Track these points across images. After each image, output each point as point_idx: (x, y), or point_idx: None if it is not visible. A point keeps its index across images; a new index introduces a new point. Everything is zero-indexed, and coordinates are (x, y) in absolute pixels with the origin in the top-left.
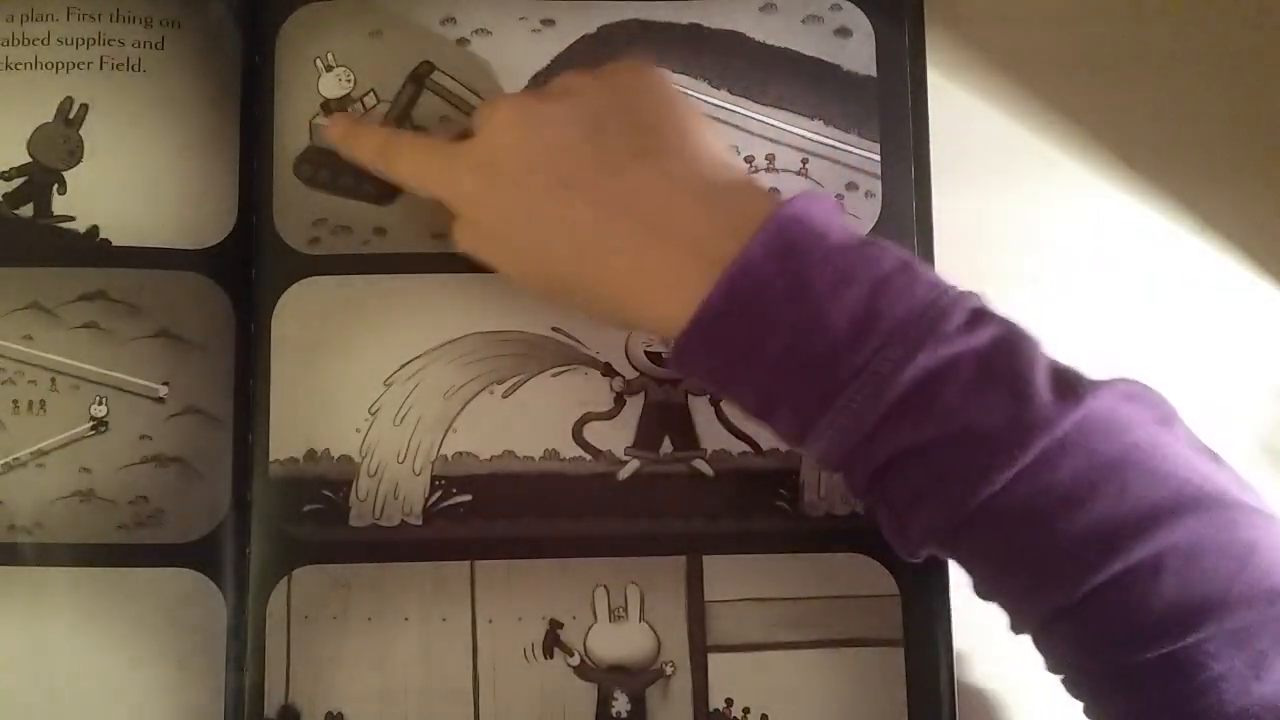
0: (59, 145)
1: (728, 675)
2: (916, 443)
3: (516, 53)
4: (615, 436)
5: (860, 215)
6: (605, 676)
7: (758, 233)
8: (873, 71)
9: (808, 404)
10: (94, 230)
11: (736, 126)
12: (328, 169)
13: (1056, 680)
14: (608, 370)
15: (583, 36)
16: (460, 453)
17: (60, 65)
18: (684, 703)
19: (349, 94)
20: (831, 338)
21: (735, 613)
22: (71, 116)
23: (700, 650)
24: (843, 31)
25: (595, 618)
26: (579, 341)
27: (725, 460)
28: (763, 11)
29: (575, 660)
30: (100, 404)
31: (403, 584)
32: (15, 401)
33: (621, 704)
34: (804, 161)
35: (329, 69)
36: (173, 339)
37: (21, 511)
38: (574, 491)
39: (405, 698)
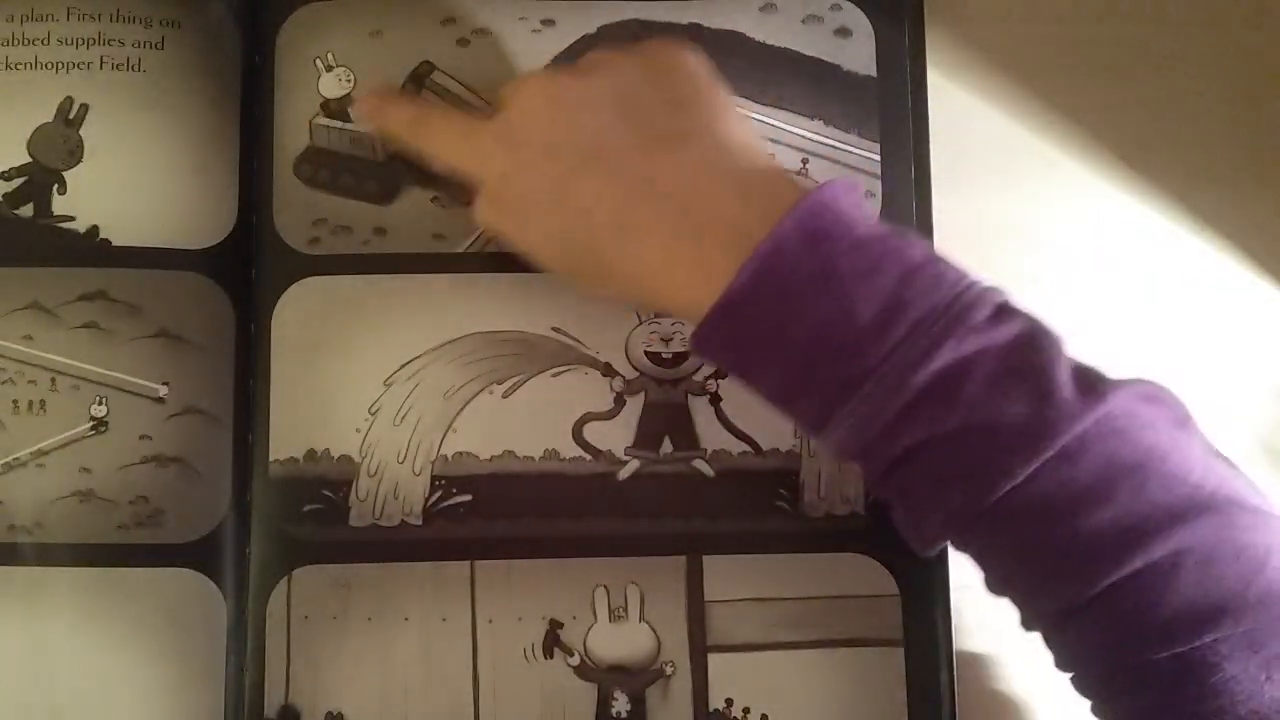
0: (59, 145)
1: (728, 675)
2: (937, 434)
3: (516, 53)
4: (615, 436)
5: None
6: (605, 676)
7: (787, 218)
8: (873, 71)
9: (830, 391)
10: (94, 230)
11: None
12: (328, 169)
13: (1057, 680)
14: (608, 370)
15: (583, 36)
16: (460, 453)
17: (60, 65)
18: (684, 703)
19: (349, 94)
20: (858, 326)
21: (735, 613)
22: (71, 116)
23: (700, 650)
24: (843, 31)
25: (595, 618)
26: (579, 341)
27: (725, 460)
28: (763, 11)
29: (575, 660)
30: (100, 404)
31: (403, 584)
32: (15, 401)
33: (621, 704)
34: (804, 161)
35: (329, 69)
36: (173, 339)
37: (21, 511)
38: (574, 491)
39: (405, 698)
